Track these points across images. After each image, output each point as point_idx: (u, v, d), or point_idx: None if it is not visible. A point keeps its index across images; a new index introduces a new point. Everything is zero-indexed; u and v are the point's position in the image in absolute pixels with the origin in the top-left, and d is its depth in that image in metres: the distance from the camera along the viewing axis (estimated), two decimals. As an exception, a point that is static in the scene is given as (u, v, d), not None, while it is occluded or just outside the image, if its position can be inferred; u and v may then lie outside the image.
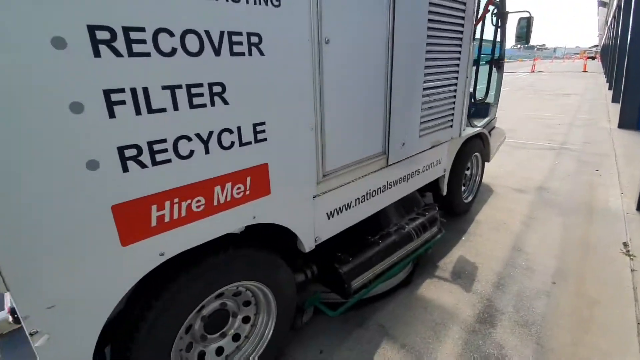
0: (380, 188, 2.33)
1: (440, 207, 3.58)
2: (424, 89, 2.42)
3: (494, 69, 4.30)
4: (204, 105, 1.28)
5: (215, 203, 1.41)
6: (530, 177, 4.85)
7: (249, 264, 1.63)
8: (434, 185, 3.17)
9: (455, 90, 2.83)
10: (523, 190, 4.42)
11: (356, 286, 2.15)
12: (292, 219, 1.76)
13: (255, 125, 1.46)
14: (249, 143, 1.46)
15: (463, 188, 3.75)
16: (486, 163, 4.04)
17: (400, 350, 2.00)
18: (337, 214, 2.05)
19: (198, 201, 1.35)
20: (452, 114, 2.90)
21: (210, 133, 1.32)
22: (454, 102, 2.86)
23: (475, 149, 3.58)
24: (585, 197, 4.15)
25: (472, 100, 4.03)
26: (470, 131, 3.38)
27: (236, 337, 1.82)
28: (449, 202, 3.45)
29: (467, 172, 3.80)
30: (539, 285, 2.56)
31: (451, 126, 2.94)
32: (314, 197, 1.85)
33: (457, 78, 2.79)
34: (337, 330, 2.17)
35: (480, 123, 4.21)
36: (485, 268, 2.77)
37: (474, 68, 4.10)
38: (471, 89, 4.07)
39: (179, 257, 1.38)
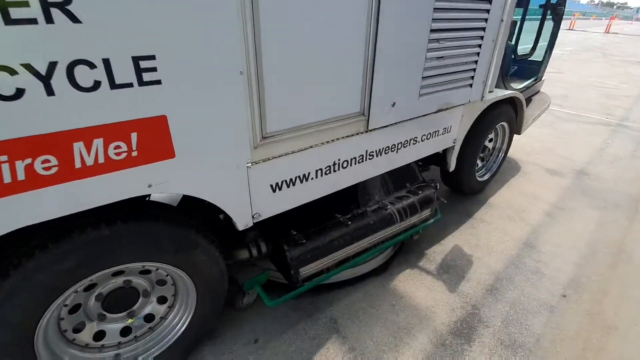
0: (356, 158, 1.86)
1: (446, 183, 3.07)
2: (432, 30, 1.80)
3: (548, 17, 3.40)
4: (33, 21, 0.84)
5: (78, 165, 1.04)
6: (571, 157, 4.08)
7: (146, 243, 1.29)
8: (441, 157, 2.62)
9: (481, 38, 2.15)
10: (558, 172, 3.72)
11: (307, 274, 1.79)
12: (213, 190, 1.37)
13: (137, 60, 1.02)
14: (129, 85, 1.03)
15: (480, 164, 3.15)
16: (516, 135, 3.35)
17: (345, 355, 1.67)
18: (288, 187, 1.63)
19: (46, 161, 0.98)
20: (474, 70, 2.26)
21: (52, 65, 0.90)
22: (477, 54, 2.20)
23: (503, 117, 2.91)
24: (633, 188, 3.41)
25: (513, 56, 3.24)
26: (498, 94, 2.70)
27: (150, 318, 1.56)
28: (458, 179, 2.90)
29: (489, 145, 3.17)
30: (543, 296, 2.08)
31: (470, 85, 2.31)
32: (249, 164, 1.43)
33: (486, 21, 2.11)
34: (282, 317, 1.88)
35: (519, 85, 3.44)
36: (482, 265, 2.31)
37: (519, 14, 3.25)
38: (512, 41, 3.26)
39: (37, 230, 1.06)
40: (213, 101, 1.21)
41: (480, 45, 2.19)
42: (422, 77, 1.92)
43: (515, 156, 3.98)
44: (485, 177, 3.15)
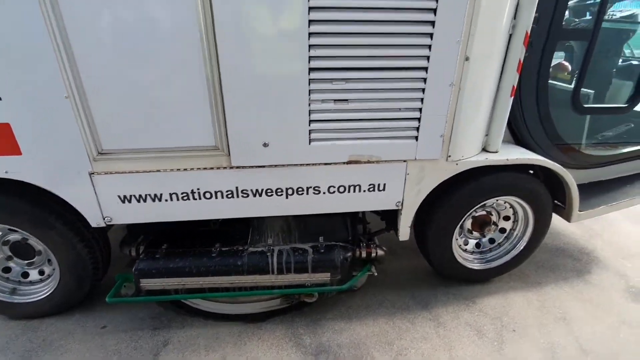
0: (222, 192, 1.84)
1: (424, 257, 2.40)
2: (313, 57, 1.52)
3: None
4: None
5: (-43, 146, 1.59)
6: None
7: (9, 212, 1.77)
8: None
9: (423, 79, 1.68)
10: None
11: (150, 287, 1.90)
12: (60, 187, 1.73)
13: (-18, 85, 1.48)
14: (-19, 98, 1.51)
15: (473, 248, 2.30)
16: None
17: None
18: (139, 202, 1.81)
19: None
20: (418, 119, 1.77)
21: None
22: (420, 100, 1.72)
23: (511, 191, 2.06)
24: None
25: (574, 104, 2.20)
26: (491, 158, 1.96)
27: (42, 272, 2.07)
28: (425, 253, 2.26)
29: (506, 225, 2.28)
30: None
31: (415, 139, 1.82)
32: (91, 173, 1.71)
33: (429, 48, 1.58)
34: (138, 320, 2.02)
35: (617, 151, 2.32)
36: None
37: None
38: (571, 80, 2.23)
39: None
40: (48, 118, 1.56)
41: (423, 89, 1.71)
42: (311, 120, 1.71)
43: (603, 253, 2.62)
44: (477, 266, 2.26)
